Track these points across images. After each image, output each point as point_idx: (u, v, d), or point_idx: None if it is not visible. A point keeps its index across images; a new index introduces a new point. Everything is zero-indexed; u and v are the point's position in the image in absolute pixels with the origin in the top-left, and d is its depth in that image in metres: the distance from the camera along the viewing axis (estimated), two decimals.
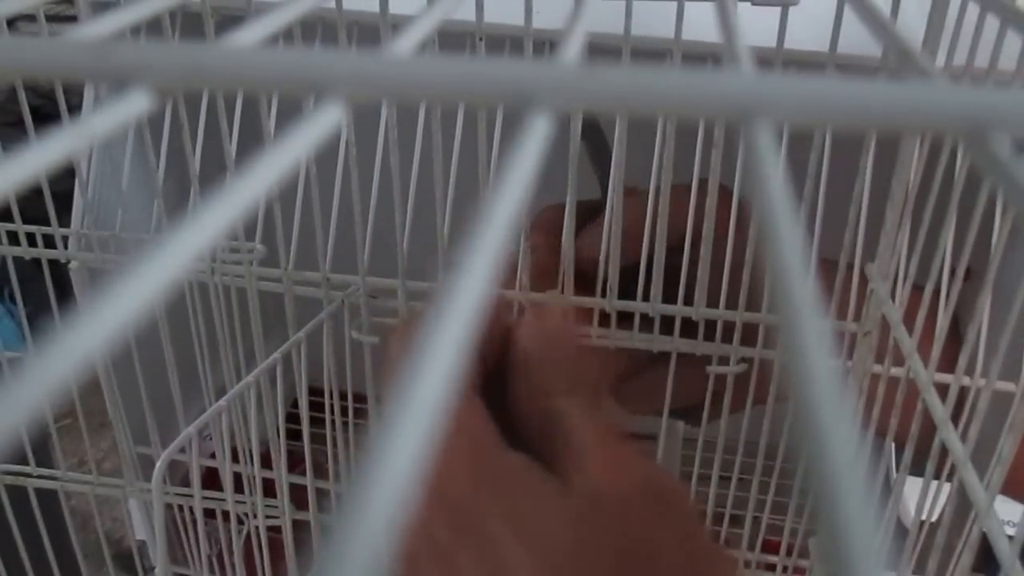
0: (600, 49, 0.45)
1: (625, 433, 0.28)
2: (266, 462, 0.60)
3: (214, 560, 0.66)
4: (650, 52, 0.46)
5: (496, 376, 0.30)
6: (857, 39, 0.36)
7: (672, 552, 0.26)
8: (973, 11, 0.36)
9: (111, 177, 0.59)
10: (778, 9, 0.40)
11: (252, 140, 0.53)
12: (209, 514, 0.65)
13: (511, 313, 0.33)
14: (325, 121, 0.11)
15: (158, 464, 0.50)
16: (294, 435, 0.64)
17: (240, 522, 0.64)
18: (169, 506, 0.66)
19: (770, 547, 0.61)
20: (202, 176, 0.53)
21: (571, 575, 0.25)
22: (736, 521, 0.61)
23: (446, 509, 0.25)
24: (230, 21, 0.53)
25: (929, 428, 0.36)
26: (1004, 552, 0.32)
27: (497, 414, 0.28)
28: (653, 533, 0.26)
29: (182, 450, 0.51)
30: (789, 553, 0.60)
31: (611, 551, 0.25)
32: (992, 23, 0.33)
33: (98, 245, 0.58)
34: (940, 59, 0.40)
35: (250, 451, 0.59)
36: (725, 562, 0.29)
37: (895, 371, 0.44)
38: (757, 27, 0.38)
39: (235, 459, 0.61)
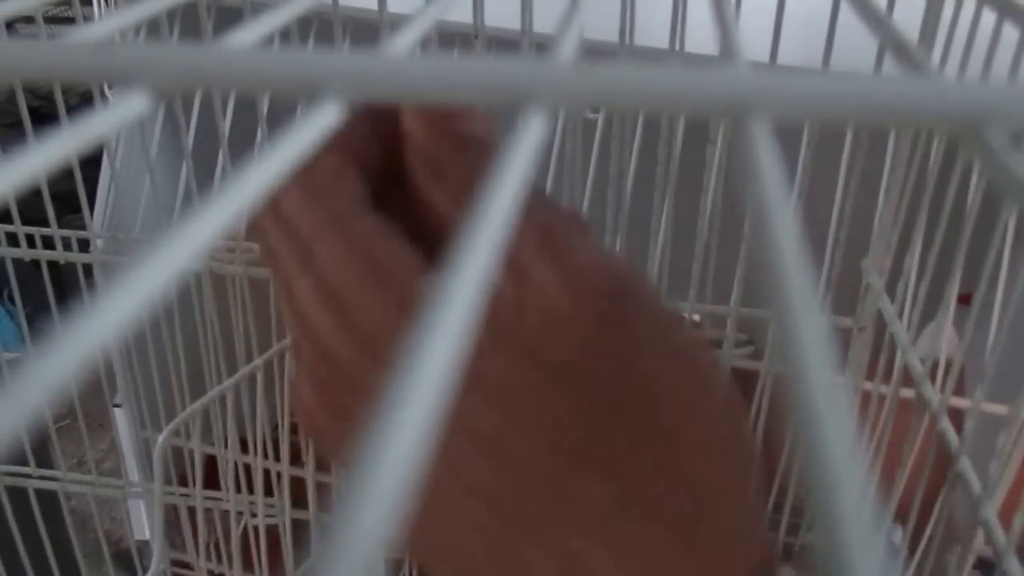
0: (597, 54, 0.45)
1: (571, 219, 0.24)
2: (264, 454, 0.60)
3: (211, 548, 0.66)
4: (646, 59, 0.46)
5: (391, 184, 0.25)
6: (850, 52, 0.36)
7: (657, 364, 0.23)
8: (970, 5, 0.36)
9: (131, 177, 0.59)
10: (771, 17, 0.40)
11: (256, 139, 0.53)
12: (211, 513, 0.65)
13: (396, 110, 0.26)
14: (323, 120, 0.11)
15: (159, 443, 0.50)
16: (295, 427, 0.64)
17: (239, 513, 0.64)
18: (171, 493, 0.66)
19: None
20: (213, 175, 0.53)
21: (539, 423, 0.22)
22: None
23: (364, 346, 0.22)
24: (227, 13, 0.54)
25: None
26: (1001, 547, 0.32)
27: (406, 227, 0.24)
28: (632, 343, 0.23)
29: (178, 434, 0.51)
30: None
31: (588, 384, 0.22)
32: (988, 17, 0.33)
33: (115, 245, 0.58)
34: (937, 53, 0.40)
35: (237, 441, 0.59)
36: (708, 361, 0.25)
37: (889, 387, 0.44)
38: (748, 41, 0.38)
39: (237, 450, 0.61)
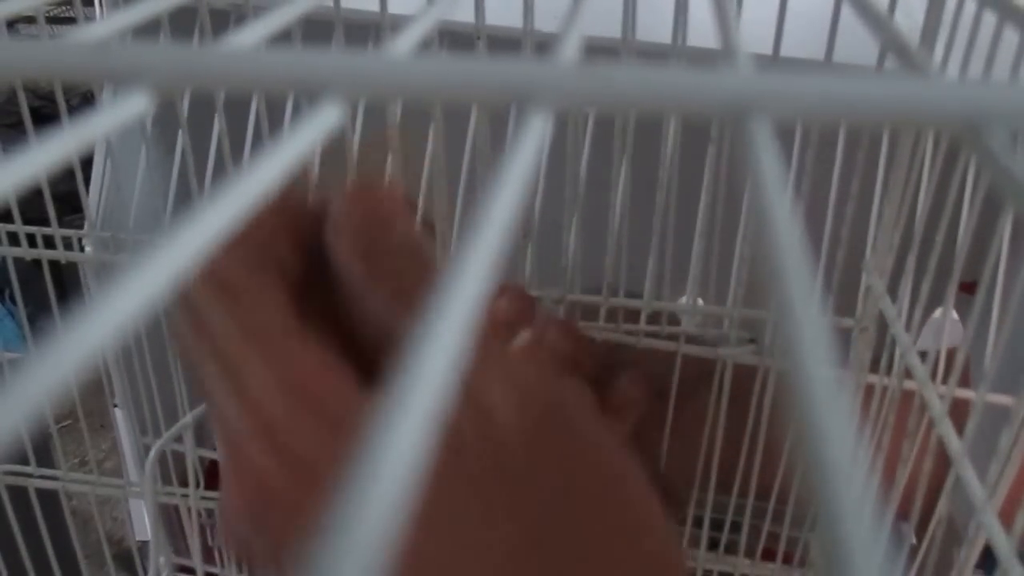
0: (599, 51, 0.45)
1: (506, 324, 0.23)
2: None
3: (216, 553, 0.66)
4: (649, 55, 0.46)
5: (310, 283, 0.24)
6: (854, 44, 0.36)
7: (590, 494, 0.23)
8: (970, 7, 0.36)
9: (123, 176, 0.59)
10: (774, 13, 0.40)
11: (256, 140, 0.53)
12: (212, 510, 0.65)
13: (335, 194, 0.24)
14: (325, 121, 0.11)
15: (151, 452, 0.50)
16: None
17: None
18: (171, 494, 0.66)
19: (769, 556, 0.61)
20: (211, 175, 0.53)
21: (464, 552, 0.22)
22: (735, 528, 0.61)
23: (300, 475, 0.21)
24: (214, 17, 0.54)
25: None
26: (1002, 548, 0.32)
27: (331, 333, 0.22)
28: (565, 479, 0.23)
29: (180, 440, 0.51)
30: (787, 562, 0.60)
31: (510, 517, 0.22)
32: (989, 19, 0.33)
33: (111, 245, 0.58)
34: (938, 55, 0.40)
35: None
36: (641, 491, 0.25)
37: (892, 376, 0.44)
38: (751, 32, 0.38)
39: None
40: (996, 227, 0.33)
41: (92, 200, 0.60)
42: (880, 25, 0.17)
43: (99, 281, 0.60)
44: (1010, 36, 0.32)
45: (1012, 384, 0.34)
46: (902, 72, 0.15)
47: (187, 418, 0.50)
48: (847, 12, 0.41)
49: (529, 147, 0.11)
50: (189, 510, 0.64)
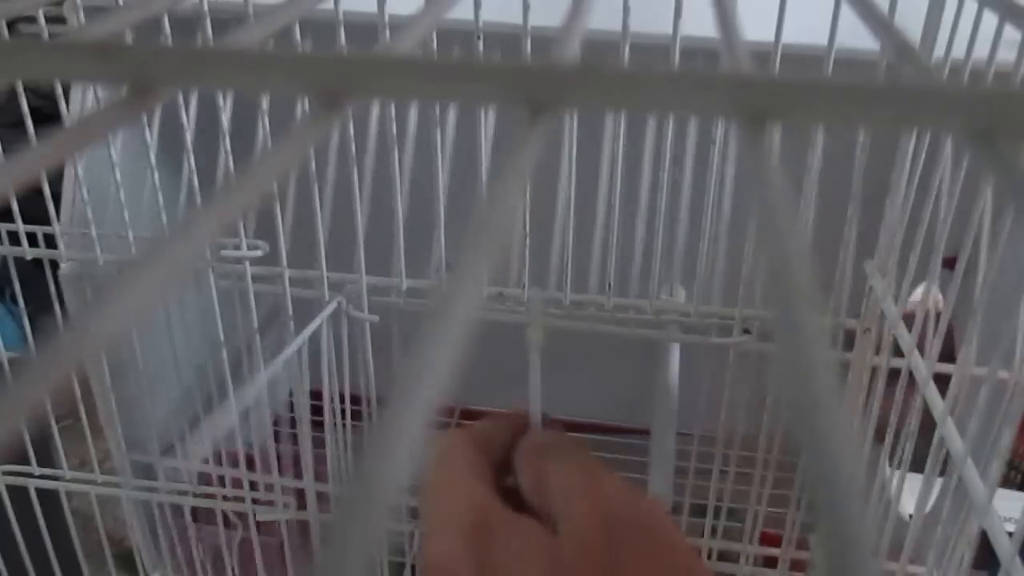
0: (597, 45, 0.45)
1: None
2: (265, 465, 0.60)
3: (208, 566, 0.66)
4: (647, 48, 0.46)
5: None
6: (855, 30, 0.36)
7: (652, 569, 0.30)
8: (971, 6, 0.36)
9: (106, 177, 0.59)
10: (775, 5, 0.40)
11: (253, 139, 0.53)
12: (208, 518, 0.65)
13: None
14: (324, 120, 0.11)
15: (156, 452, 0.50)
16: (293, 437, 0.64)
17: (239, 524, 0.64)
18: (169, 504, 0.66)
19: (770, 540, 0.61)
20: (202, 176, 0.53)
21: None
22: (734, 514, 0.61)
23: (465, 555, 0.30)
24: (232, 24, 0.53)
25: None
26: (1004, 548, 0.32)
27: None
28: (634, 556, 0.30)
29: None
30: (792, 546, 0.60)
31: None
32: (990, 18, 0.33)
33: (82, 245, 0.58)
34: (939, 54, 0.40)
35: (245, 455, 0.59)
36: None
37: (895, 362, 0.44)
38: (753, 22, 0.38)
39: (234, 464, 0.61)
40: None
41: (66, 200, 0.59)
42: (882, 25, 0.17)
43: (76, 287, 0.59)
44: (1010, 34, 0.32)
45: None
46: (907, 72, 0.15)
47: (182, 428, 0.50)
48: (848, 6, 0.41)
49: (531, 146, 0.11)
50: (194, 511, 0.64)
